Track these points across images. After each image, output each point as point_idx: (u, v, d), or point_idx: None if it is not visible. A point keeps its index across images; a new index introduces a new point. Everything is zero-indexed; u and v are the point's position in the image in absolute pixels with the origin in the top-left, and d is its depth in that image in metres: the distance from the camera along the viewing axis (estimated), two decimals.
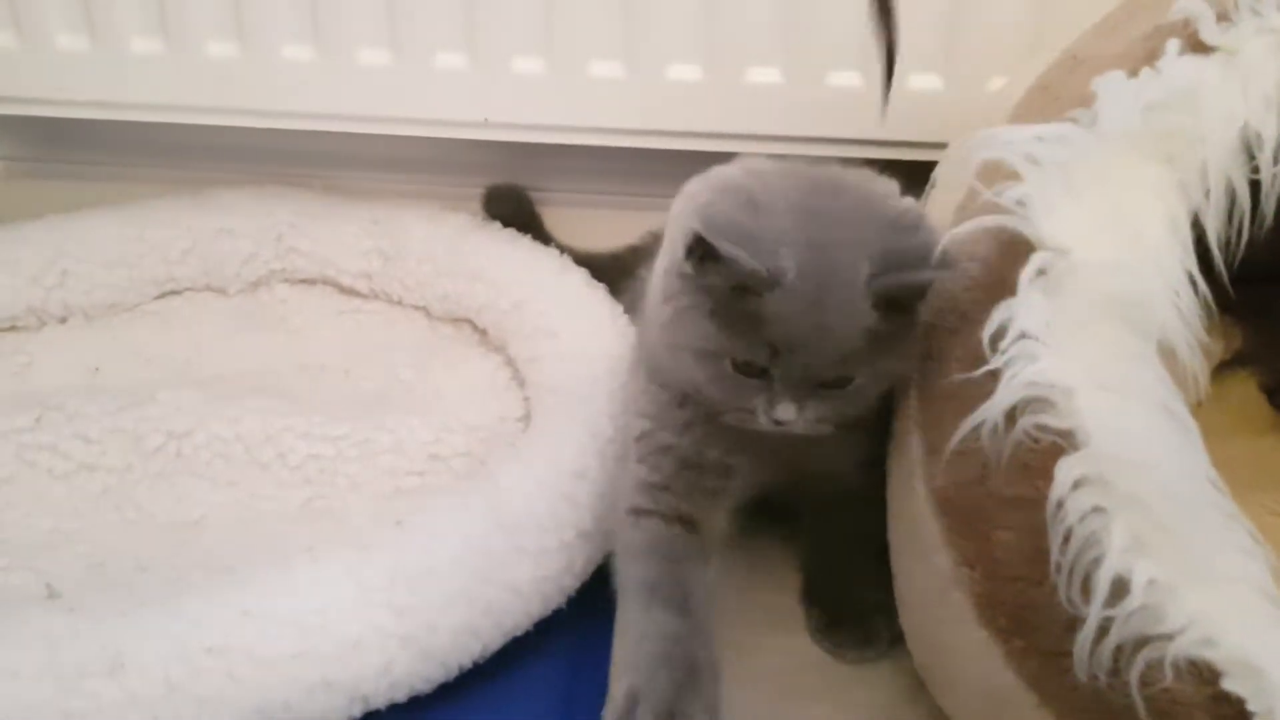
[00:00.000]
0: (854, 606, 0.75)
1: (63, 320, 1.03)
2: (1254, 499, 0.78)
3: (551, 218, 1.12)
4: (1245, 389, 0.91)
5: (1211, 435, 0.85)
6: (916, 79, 0.96)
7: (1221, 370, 0.93)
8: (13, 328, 1.01)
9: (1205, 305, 0.60)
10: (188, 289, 1.07)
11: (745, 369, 0.63)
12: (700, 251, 0.61)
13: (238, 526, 0.82)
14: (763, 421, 0.64)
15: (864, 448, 0.72)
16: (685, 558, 0.72)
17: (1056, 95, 0.69)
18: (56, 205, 1.09)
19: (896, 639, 0.73)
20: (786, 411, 0.63)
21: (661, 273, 0.68)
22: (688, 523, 0.73)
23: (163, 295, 1.07)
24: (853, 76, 0.96)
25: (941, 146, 0.89)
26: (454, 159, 1.10)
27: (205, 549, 0.79)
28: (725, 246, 0.59)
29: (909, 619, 0.71)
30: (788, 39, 0.95)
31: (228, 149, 1.12)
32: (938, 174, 0.87)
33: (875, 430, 0.71)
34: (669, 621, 0.67)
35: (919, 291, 0.63)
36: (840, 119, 0.98)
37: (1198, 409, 0.88)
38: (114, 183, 1.15)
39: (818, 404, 0.64)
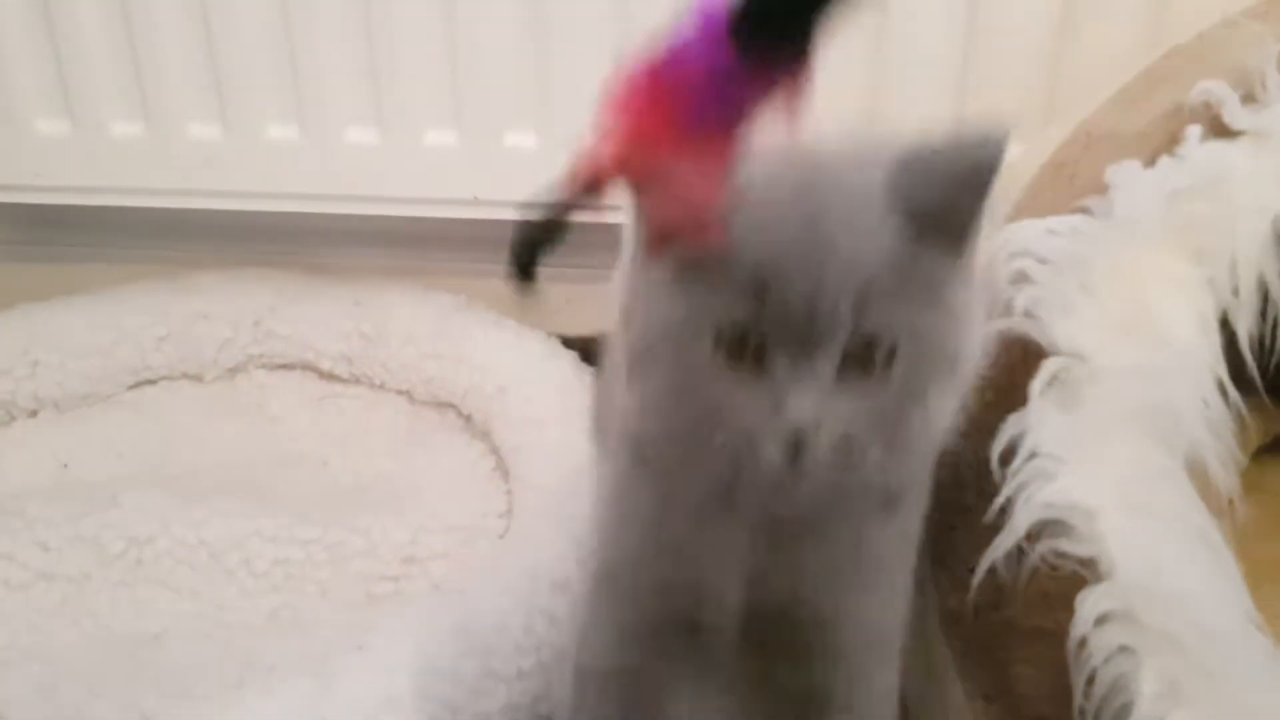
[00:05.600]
0: None
1: (33, 414, 0.99)
2: None
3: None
4: None
5: (1249, 533, 0.80)
6: None
7: (1260, 455, 0.87)
8: None
9: (1237, 412, 0.54)
10: (163, 377, 1.03)
11: (731, 350, 0.43)
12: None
13: (200, 641, 0.77)
14: (770, 448, 0.42)
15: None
16: None
17: (1071, 175, 0.64)
18: (32, 288, 1.05)
19: None
20: (801, 403, 0.41)
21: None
22: None
23: (137, 384, 1.02)
24: None
25: None
26: (441, 234, 1.06)
27: (163, 667, 0.74)
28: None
29: None
30: None
31: (207, 229, 1.09)
32: None
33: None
34: None
35: (962, 192, 0.42)
36: None
37: (1230, 504, 0.84)
38: (92, 264, 1.12)
39: (847, 398, 0.42)
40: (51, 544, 0.82)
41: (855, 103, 0.89)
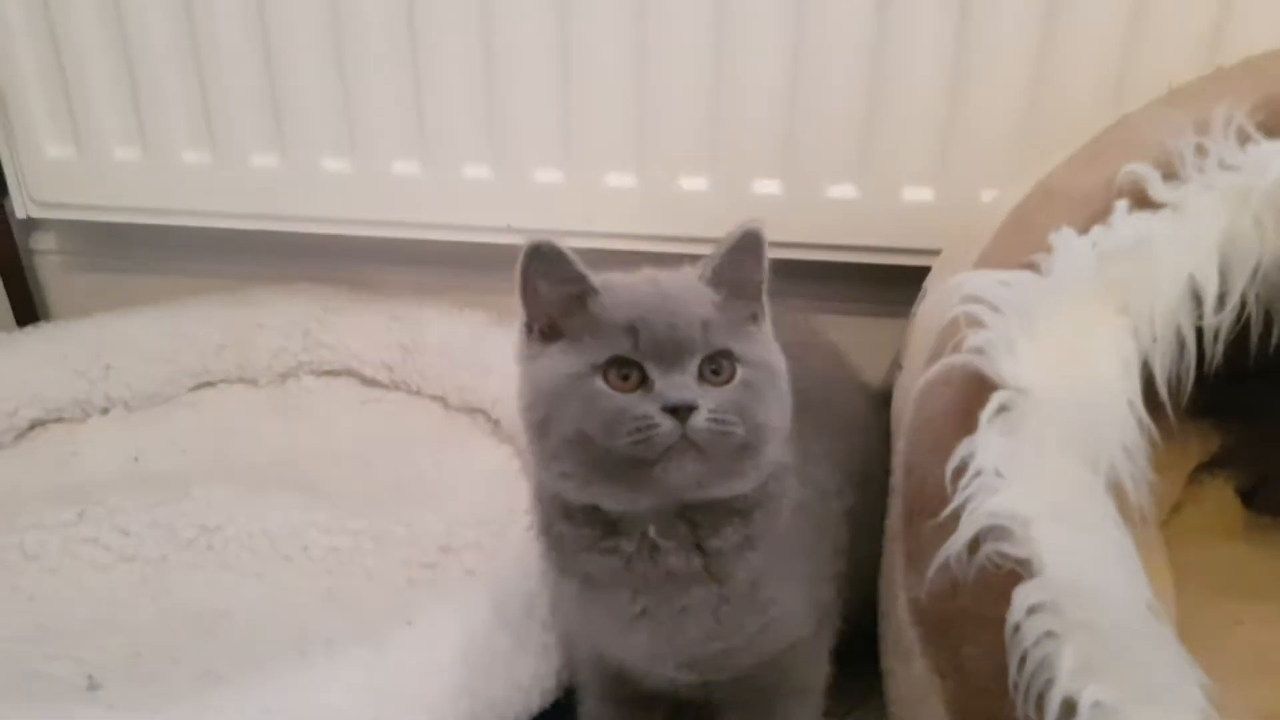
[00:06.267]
0: None
1: (105, 411, 1.10)
2: (1220, 607, 0.82)
3: None
4: (1221, 492, 0.95)
5: (1186, 539, 0.90)
6: (910, 191, 1.01)
7: (1199, 472, 0.96)
8: (59, 419, 1.08)
9: (1151, 440, 0.64)
10: (221, 380, 1.14)
11: (618, 376, 0.60)
12: (532, 261, 0.63)
13: (263, 617, 0.87)
14: (664, 426, 0.58)
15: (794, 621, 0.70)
16: None
17: (1029, 228, 0.74)
18: (106, 298, 1.17)
19: None
20: (681, 390, 0.59)
21: (516, 359, 0.68)
22: (632, 706, 0.76)
23: (198, 387, 1.13)
24: (849, 189, 1.02)
25: (934, 253, 0.95)
26: (474, 257, 1.15)
27: (233, 640, 0.84)
28: (556, 248, 0.62)
29: (896, 717, 0.75)
30: (787, 154, 1.01)
31: (263, 248, 1.19)
32: (928, 284, 0.92)
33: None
34: None
35: (747, 268, 0.64)
36: (837, 227, 1.03)
37: (1173, 514, 0.94)
38: (159, 278, 1.23)
39: (713, 393, 0.60)
40: (131, 529, 0.93)
41: (852, 151, 1.00)
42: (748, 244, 0.64)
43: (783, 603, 0.68)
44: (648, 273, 0.66)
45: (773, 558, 0.67)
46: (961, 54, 0.95)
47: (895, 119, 0.98)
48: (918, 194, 1.01)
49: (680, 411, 0.58)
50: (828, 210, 1.02)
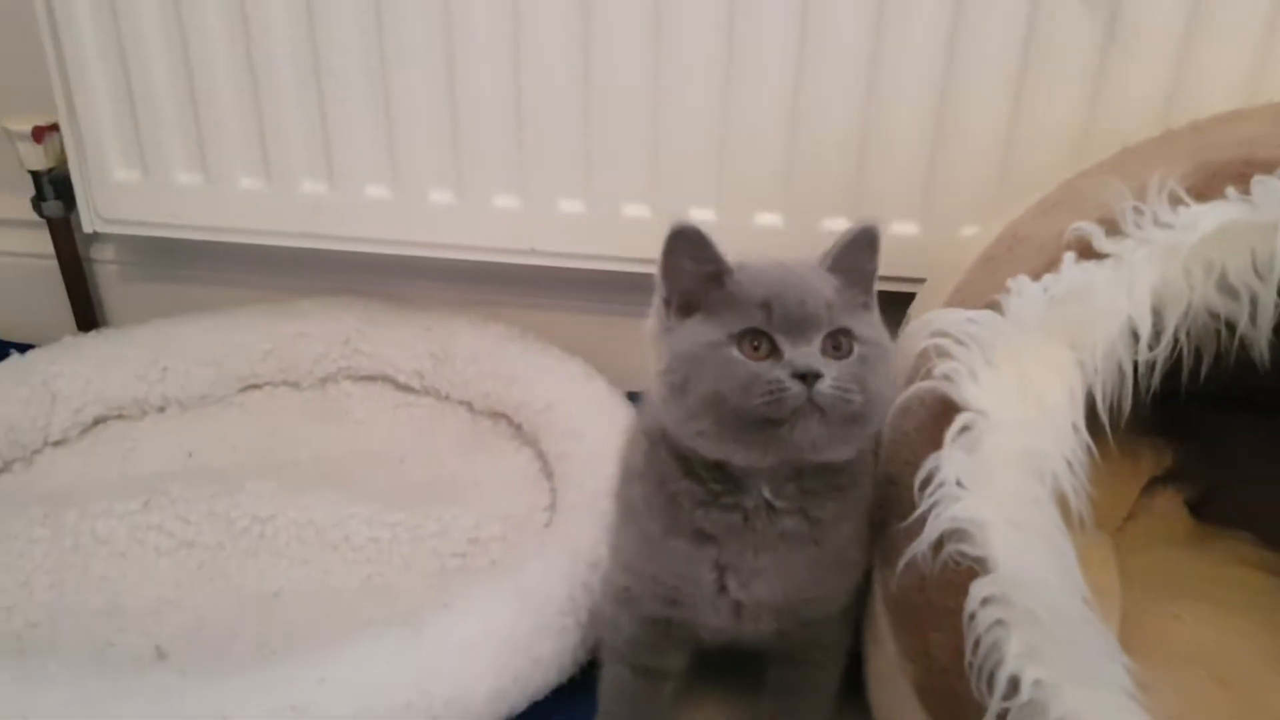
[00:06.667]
0: None
1: (161, 410, 1.20)
2: (1158, 605, 0.92)
3: (580, 325, 1.28)
4: (1171, 503, 1.04)
5: (1136, 545, 1.00)
6: (898, 226, 1.11)
7: (1154, 484, 1.06)
8: (120, 416, 1.18)
9: (1093, 457, 0.74)
10: (267, 384, 1.24)
11: (751, 346, 0.67)
12: (677, 242, 0.69)
13: (310, 599, 0.97)
14: (793, 389, 0.65)
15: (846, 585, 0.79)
16: (646, 710, 0.83)
17: (993, 271, 0.84)
18: (164, 307, 1.26)
19: None
20: (809, 358, 0.66)
21: (652, 331, 0.74)
22: (654, 674, 0.82)
23: (245, 389, 1.23)
24: (841, 223, 1.11)
25: (919, 281, 1.04)
26: (501, 275, 1.25)
27: (284, 618, 0.94)
28: (699, 231, 0.69)
29: (873, 693, 0.84)
30: (787, 191, 1.11)
31: (307, 263, 1.29)
32: (913, 310, 1.02)
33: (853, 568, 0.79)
34: None
35: (863, 259, 0.73)
36: None
37: (1127, 522, 1.03)
38: (213, 289, 1.33)
39: (835, 365, 0.67)
40: (191, 518, 1.03)
41: (844, 189, 1.09)
42: (865, 239, 0.73)
43: (858, 566, 0.79)
44: (776, 258, 0.73)
45: (854, 528, 0.76)
46: (945, 106, 1.04)
47: (884, 162, 1.08)
48: (904, 228, 1.10)
49: (808, 378, 0.65)
50: (823, 241, 1.08)
